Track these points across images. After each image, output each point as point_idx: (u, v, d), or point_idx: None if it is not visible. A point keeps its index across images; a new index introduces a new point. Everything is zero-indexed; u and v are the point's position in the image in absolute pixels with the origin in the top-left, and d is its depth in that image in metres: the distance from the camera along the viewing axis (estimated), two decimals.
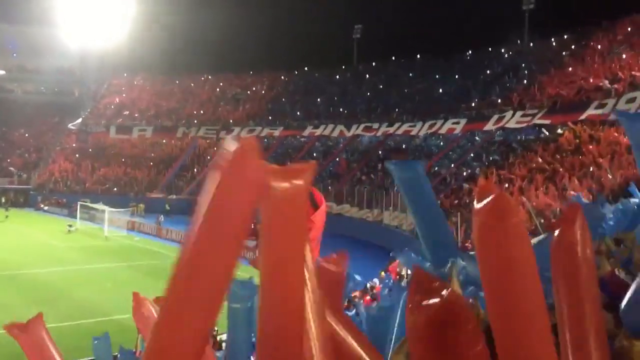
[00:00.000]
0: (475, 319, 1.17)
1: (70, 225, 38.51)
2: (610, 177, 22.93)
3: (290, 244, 1.39)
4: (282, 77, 62.63)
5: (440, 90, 48.03)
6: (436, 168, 40.00)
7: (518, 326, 1.17)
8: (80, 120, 59.68)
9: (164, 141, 58.95)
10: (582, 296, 1.63)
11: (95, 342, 3.53)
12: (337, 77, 60.01)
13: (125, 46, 59.02)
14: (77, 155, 57.04)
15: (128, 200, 47.18)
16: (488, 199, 1.16)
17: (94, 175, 54.16)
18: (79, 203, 41.73)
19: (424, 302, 1.16)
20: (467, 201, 30.94)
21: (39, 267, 26.49)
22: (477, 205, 1.21)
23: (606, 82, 30.81)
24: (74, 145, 58.68)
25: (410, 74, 53.17)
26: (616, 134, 27.44)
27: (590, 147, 27.62)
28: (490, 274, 1.19)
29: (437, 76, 50.38)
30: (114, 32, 57.79)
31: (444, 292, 1.15)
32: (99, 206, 40.22)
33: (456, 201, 32.08)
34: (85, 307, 19.93)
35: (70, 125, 59.12)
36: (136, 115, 59.84)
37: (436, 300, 1.14)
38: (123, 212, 40.46)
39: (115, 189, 52.19)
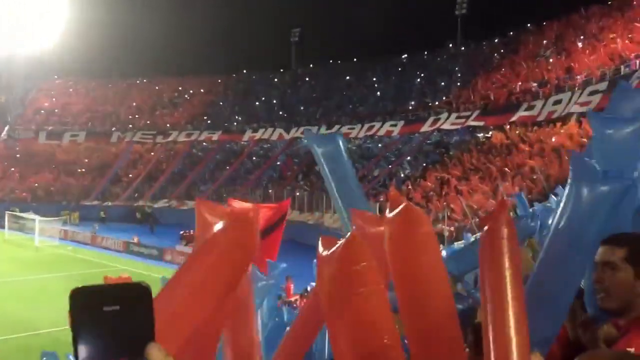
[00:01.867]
0: (370, 259, 1.19)
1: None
2: (541, 176, 23.83)
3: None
4: (220, 81, 62.00)
5: (378, 94, 48.75)
6: (375, 170, 40.49)
7: (429, 333, 1.17)
8: (6, 128, 57.15)
9: (98, 146, 57.18)
10: (506, 282, 1.66)
11: (44, 358, 3.43)
12: (276, 80, 59.95)
13: (56, 49, 56.88)
14: (4, 163, 54.54)
15: (60, 209, 45.44)
16: (398, 210, 1.18)
17: (23, 183, 51.93)
18: (6, 212, 39.86)
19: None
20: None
21: None
22: (389, 216, 1.22)
23: (534, 84, 32.05)
24: (1, 152, 56.11)
25: (348, 77, 53.71)
26: (543, 136, 28.61)
27: (521, 147, 28.65)
28: (401, 281, 1.20)
29: (374, 79, 51.11)
30: (43, 35, 55.59)
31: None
32: (29, 215, 38.58)
33: None
34: (15, 321, 19.02)
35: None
36: (68, 120, 57.81)
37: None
38: (55, 220, 38.93)
39: (46, 197, 50.20)
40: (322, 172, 2.39)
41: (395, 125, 40.75)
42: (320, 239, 1.30)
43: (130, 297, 0.88)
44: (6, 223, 38.77)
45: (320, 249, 1.26)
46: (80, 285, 0.87)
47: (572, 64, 31.66)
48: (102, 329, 0.88)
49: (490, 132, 34.51)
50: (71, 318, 0.89)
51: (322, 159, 2.32)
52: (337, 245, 1.20)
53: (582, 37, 34.37)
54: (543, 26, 41.03)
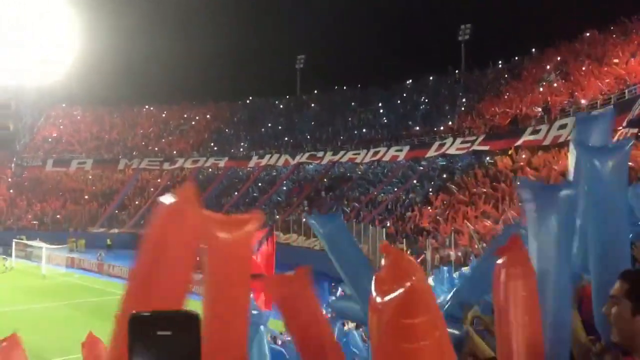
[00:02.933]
0: (429, 312, 1.19)
1: (5, 258, 36.96)
2: None
3: (232, 292, 1.43)
4: (226, 108, 62.49)
5: (383, 119, 48.99)
6: (381, 195, 40.49)
7: None
8: (15, 156, 57.66)
9: (105, 174, 57.49)
10: (524, 321, 1.70)
11: None
12: (281, 106, 60.37)
13: (63, 77, 57.58)
14: (11, 191, 54.84)
15: (67, 236, 45.54)
16: (396, 293, 1.15)
17: (30, 211, 52.13)
18: (14, 240, 39.93)
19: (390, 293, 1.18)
20: (412, 227, 31.43)
21: None
22: (382, 298, 1.12)
23: (539, 109, 32.17)
24: (9, 180, 56.45)
25: (353, 103, 54.05)
26: (550, 160, 28.62)
27: (528, 172, 28.64)
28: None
29: (379, 104, 51.41)
30: (51, 64, 56.35)
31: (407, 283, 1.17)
32: (36, 243, 38.62)
33: (401, 227, 32.52)
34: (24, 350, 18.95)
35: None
36: (75, 147, 58.26)
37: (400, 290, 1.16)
38: (62, 248, 38.98)
39: (53, 224, 50.35)
40: (326, 249, 2.55)
41: (400, 151, 40.86)
42: (374, 278, 1.26)
43: (181, 324, 0.97)
44: (13, 251, 38.80)
45: (374, 292, 1.21)
46: (138, 311, 0.96)
47: (575, 88, 31.82)
48: (155, 352, 0.97)
49: (496, 157, 34.55)
50: (128, 340, 0.98)
51: (324, 239, 2.46)
52: (394, 294, 1.16)
53: (585, 61, 34.57)
54: (546, 51, 41.31)
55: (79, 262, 38.24)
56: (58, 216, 51.52)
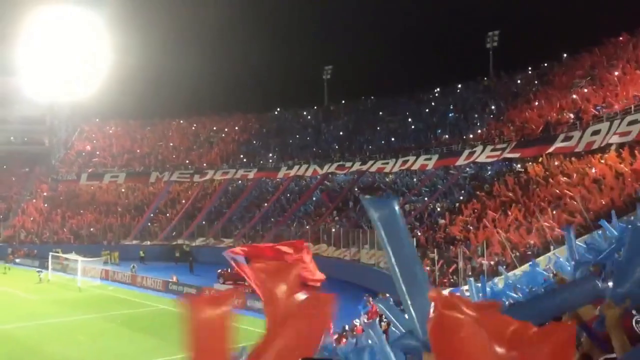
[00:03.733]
0: (469, 325, 1.29)
1: (39, 271, 37.81)
2: (581, 207, 23.36)
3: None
4: (254, 119, 63.02)
5: (412, 127, 48.79)
6: (411, 204, 40.27)
7: None
8: (50, 171, 59.05)
9: (137, 186, 58.43)
10: None
11: None
12: (309, 117, 60.61)
13: (96, 92, 58.79)
14: (46, 205, 56.11)
15: (101, 249, 46.35)
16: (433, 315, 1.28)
17: (66, 225, 53.23)
18: (50, 254, 40.80)
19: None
20: (443, 236, 31.17)
21: (9, 323, 25.70)
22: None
23: (571, 115, 31.68)
24: (44, 194, 57.77)
25: (381, 112, 53.98)
26: (582, 167, 28.13)
27: (560, 179, 28.18)
28: None
29: (407, 113, 51.23)
30: (84, 79, 57.67)
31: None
32: (72, 256, 39.40)
33: (431, 237, 32.27)
34: None
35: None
36: (107, 161, 59.39)
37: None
38: (96, 261, 39.68)
39: (87, 237, 51.31)
40: (378, 235, 2.45)
41: (429, 159, 40.60)
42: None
43: None
44: (50, 264, 39.64)
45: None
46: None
47: (608, 93, 31.26)
48: None
49: (527, 164, 34.10)
50: None
51: (378, 222, 2.38)
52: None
53: (617, 65, 33.96)
54: (576, 56, 40.71)
55: (113, 275, 38.88)
56: (92, 229, 52.50)
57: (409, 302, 2.51)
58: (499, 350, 1.32)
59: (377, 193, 44.52)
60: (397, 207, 2.44)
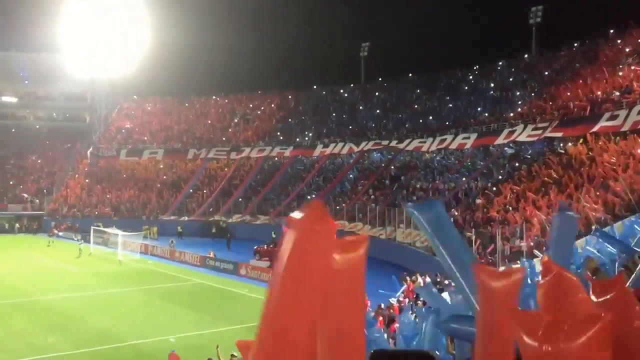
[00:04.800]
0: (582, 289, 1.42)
1: (80, 242, 38.87)
2: (625, 188, 22.70)
3: (349, 315, 1.43)
4: (291, 97, 62.95)
5: (450, 106, 48.02)
6: (448, 183, 39.79)
7: None
8: (91, 147, 60.30)
9: (175, 163, 59.25)
10: None
11: None
12: (346, 95, 60.24)
13: (135, 70, 59.60)
14: (88, 180, 57.40)
15: (140, 224, 47.31)
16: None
17: (106, 200, 54.42)
18: (92, 227, 41.84)
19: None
20: (480, 216, 30.74)
21: (53, 294, 26.51)
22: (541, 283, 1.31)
23: (617, 93, 30.65)
24: (86, 170, 59.10)
25: (418, 90, 53.25)
26: (628, 147, 27.24)
27: (604, 159, 27.37)
28: None
29: (445, 91, 50.42)
30: (123, 57, 58.42)
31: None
32: (112, 230, 40.32)
33: (469, 217, 31.85)
34: (100, 333, 19.87)
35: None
36: (146, 138, 60.28)
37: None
38: (136, 235, 40.52)
39: (127, 212, 52.39)
40: (428, 236, 2.54)
41: (468, 138, 39.94)
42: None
43: None
44: (92, 238, 40.67)
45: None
46: (380, 349, 1.06)
47: None
48: None
49: (570, 144, 33.19)
50: None
51: (427, 226, 2.48)
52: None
53: None
54: (624, 32, 39.25)
55: (152, 249, 39.67)
56: (132, 204, 53.56)
57: (463, 284, 2.53)
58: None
59: (414, 172, 44.14)
60: (441, 209, 2.53)
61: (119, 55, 58.10)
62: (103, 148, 59.96)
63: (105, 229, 41.77)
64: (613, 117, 28.83)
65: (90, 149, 60.20)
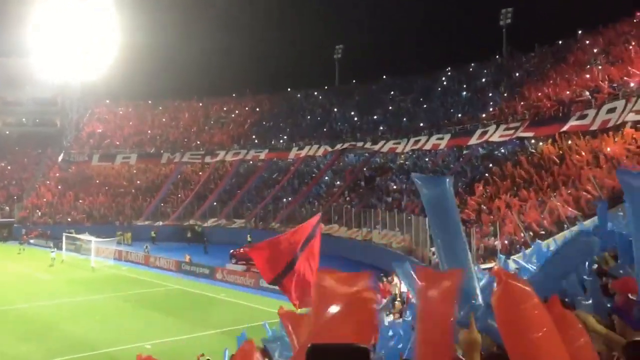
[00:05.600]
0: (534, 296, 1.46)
1: (52, 251, 38.06)
2: (596, 187, 23.12)
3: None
4: (265, 100, 62.80)
5: (424, 106, 48.41)
6: None
7: None
8: (62, 152, 59.30)
9: (148, 167, 58.62)
10: None
11: None
12: (320, 97, 60.30)
13: (106, 74, 58.79)
14: (59, 186, 56.46)
15: (114, 229, 46.71)
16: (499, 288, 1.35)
17: (78, 205, 53.60)
18: (64, 234, 41.14)
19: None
20: None
21: (25, 302, 26.02)
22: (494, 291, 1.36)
23: (586, 93, 31.21)
24: (57, 175, 58.13)
25: (392, 92, 53.56)
26: (597, 146, 27.79)
27: (574, 158, 27.87)
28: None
29: (419, 93, 50.80)
30: (94, 61, 57.59)
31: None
32: (85, 237, 39.74)
33: None
34: (74, 341, 19.55)
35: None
36: (119, 142, 59.54)
37: None
38: (109, 241, 39.98)
39: (100, 218, 51.66)
40: (427, 211, 2.46)
41: (441, 139, 40.29)
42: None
43: (352, 358, 1.12)
44: (64, 245, 39.98)
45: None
46: (318, 343, 1.10)
47: (624, 70, 30.73)
48: None
49: (541, 143, 33.72)
50: None
51: (427, 200, 2.37)
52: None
53: (634, 43, 33.34)
54: (592, 33, 40.00)
55: (126, 255, 39.19)
56: (105, 210, 52.83)
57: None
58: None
59: (389, 173, 44.39)
60: (448, 189, 2.42)
61: (90, 58, 57.25)
62: (74, 153, 59.02)
63: (78, 236, 41.15)
64: (582, 117, 29.34)
65: (62, 155, 59.23)
